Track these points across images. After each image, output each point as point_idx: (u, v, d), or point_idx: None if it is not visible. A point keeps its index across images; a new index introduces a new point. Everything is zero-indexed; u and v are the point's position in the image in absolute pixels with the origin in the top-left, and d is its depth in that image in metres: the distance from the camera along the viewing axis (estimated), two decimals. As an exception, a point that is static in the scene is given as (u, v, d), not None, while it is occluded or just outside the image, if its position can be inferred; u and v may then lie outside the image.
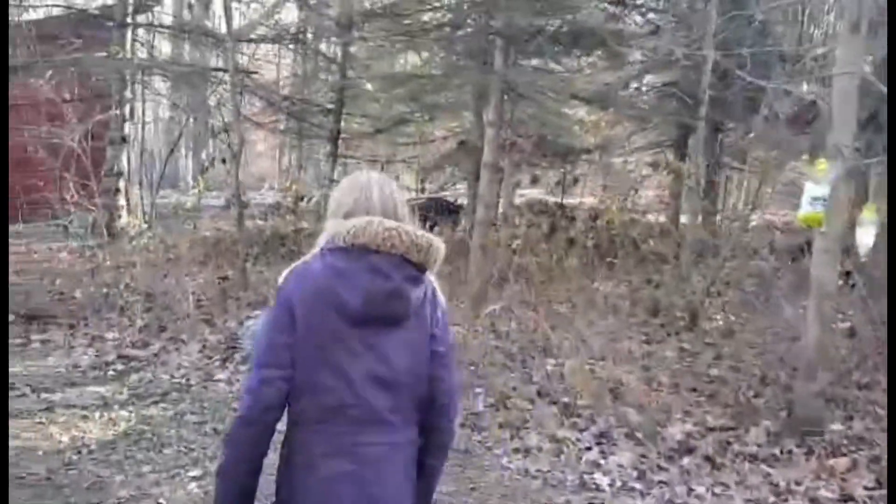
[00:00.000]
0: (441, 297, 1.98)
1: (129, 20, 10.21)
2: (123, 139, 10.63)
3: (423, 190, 13.73)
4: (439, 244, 1.90)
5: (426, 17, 11.83)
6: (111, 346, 6.16)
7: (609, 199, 10.78)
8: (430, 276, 1.93)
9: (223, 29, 12.72)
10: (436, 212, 12.89)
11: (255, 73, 11.63)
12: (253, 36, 11.47)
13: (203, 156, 15.93)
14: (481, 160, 11.27)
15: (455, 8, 9.30)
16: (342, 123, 15.10)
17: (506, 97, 7.49)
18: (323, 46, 15.22)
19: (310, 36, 14.33)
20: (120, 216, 10.84)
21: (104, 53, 10.21)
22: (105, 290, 8.04)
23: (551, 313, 6.67)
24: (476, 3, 8.32)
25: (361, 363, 1.83)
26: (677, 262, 8.32)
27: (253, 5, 13.21)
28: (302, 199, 13.98)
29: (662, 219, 14.42)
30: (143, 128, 11.94)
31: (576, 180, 12.18)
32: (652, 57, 10.42)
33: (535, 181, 14.16)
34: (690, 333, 7.03)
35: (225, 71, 10.11)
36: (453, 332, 2.36)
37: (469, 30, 8.47)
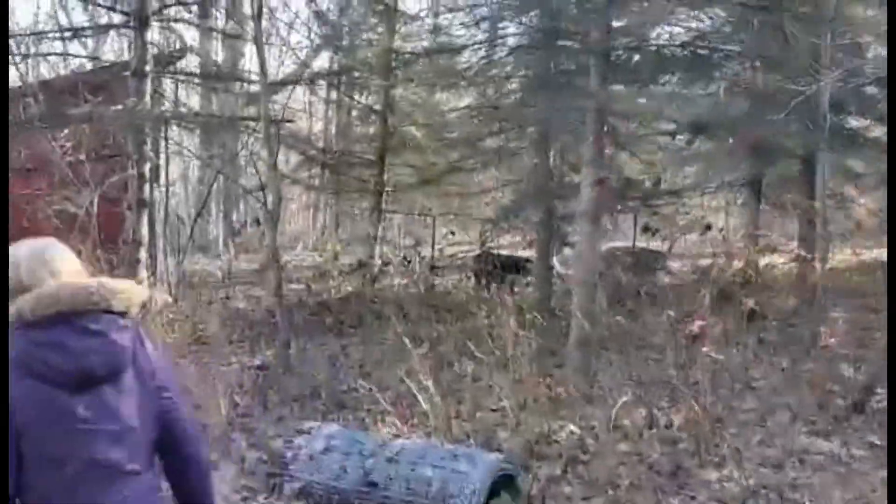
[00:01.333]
0: (150, 341, 2.01)
1: (148, 68, 8.98)
2: (143, 202, 9.32)
3: (483, 244, 12.25)
4: (134, 288, 1.97)
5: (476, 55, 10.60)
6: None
7: (722, 248, 9.22)
8: (132, 322, 1.94)
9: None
10: (493, 268, 11.39)
11: (291, 121, 10.37)
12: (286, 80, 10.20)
13: (234, 217, 14.66)
14: (551, 207, 10.05)
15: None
16: (385, 175, 13.85)
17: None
18: (360, 95, 14.07)
19: (344, 79, 13.17)
20: (141, 290, 9.45)
21: (121, 106, 8.98)
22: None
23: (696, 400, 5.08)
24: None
25: (88, 424, 1.85)
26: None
27: (287, 53, 12.04)
28: (336, 257, 12.66)
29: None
30: (167, 189, 10.66)
31: (654, 229, 10.64)
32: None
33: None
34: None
35: (255, 120, 8.85)
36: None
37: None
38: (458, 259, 13.46)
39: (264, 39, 10.19)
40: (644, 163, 9.44)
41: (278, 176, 6.77)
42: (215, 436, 5.17)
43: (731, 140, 7.02)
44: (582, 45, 6.14)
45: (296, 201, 22.22)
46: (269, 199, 6.70)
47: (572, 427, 4.94)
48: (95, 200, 8.52)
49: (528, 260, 12.31)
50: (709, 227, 10.98)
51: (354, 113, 13.90)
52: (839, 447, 4.81)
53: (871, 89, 7.75)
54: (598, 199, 5.80)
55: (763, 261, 8.94)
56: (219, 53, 14.00)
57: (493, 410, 5.64)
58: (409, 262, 14.19)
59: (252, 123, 9.74)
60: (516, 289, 10.98)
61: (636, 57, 6.14)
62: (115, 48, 12.39)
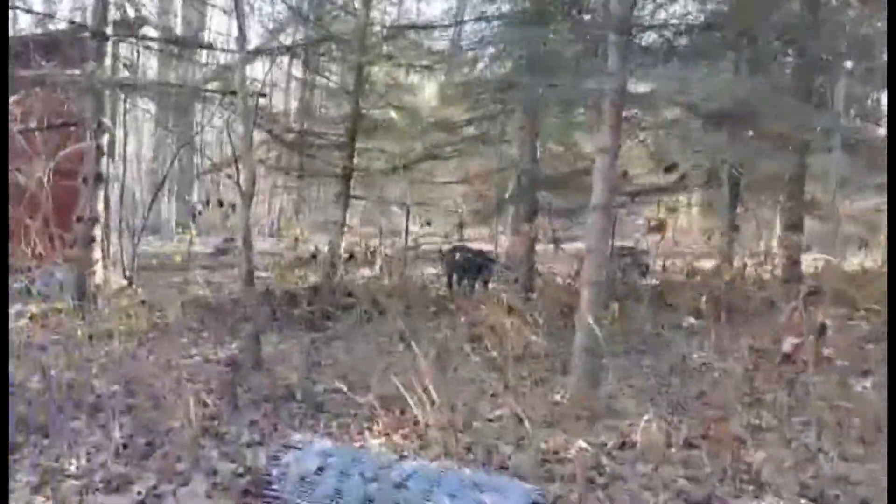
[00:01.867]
0: None
1: (108, 31, 8.21)
2: (100, 177, 8.57)
3: (459, 237, 11.74)
4: None
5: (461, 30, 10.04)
6: (72, 488, 4.02)
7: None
8: None
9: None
10: (465, 263, 10.85)
11: (264, 95, 9.67)
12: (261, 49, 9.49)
13: (194, 197, 13.84)
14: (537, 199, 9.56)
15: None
16: (354, 160, 13.22)
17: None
18: (330, 73, 13.38)
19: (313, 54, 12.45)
20: (94, 272, 8.73)
21: (78, 71, 8.21)
22: (71, 375, 5.97)
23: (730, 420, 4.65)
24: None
25: None
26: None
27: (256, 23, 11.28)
28: (297, 244, 12.01)
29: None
30: (124, 164, 9.88)
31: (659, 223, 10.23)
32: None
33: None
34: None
35: (227, 93, 8.18)
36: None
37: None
38: (433, 252, 12.92)
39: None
40: (651, 154, 9.00)
41: (253, 152, 6.12)
42: (183, 441, 4.58)
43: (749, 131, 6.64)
44: (602, 20, 5.62)
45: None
46: (242, 176, 6.06)
47: (583, 443, 4.46)
48: (48, 172, 7.75)
49: (496, 256, 11.84)
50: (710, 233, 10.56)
51: (323, 91, 13.18)
52: None
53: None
54: (609, 190, 5.32)
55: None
56: (178, 19, 13.15)
57: (491, 420, 5.13)
58: (373, 252, 13.64)
59: (218, 96, 9.02)
60: (491, 285, 10.51)
61: (650, 36, 5.66)
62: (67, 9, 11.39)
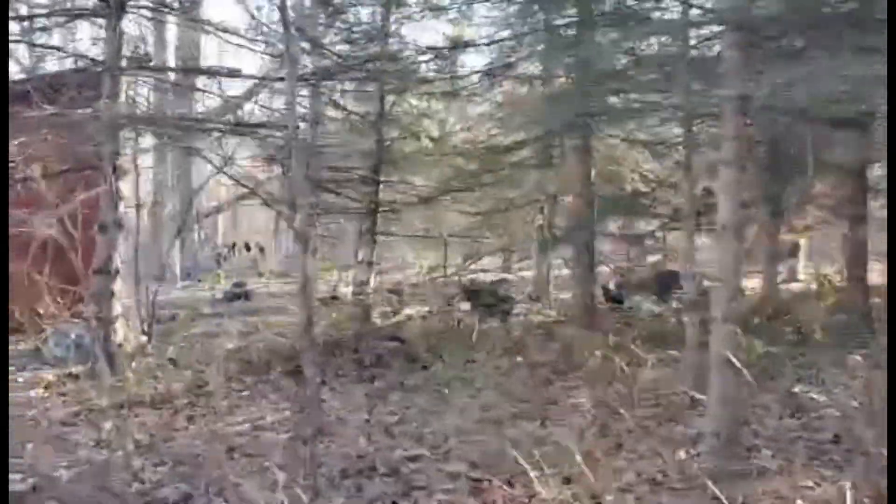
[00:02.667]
0: None
1: (123, 64, 7.48)
2: (120, 224, 7.78)
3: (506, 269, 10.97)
4: None
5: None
6: None
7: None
8: None
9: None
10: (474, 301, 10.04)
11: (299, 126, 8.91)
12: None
13: (195, 239, 12.94)
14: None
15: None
16: (380, 194, 12.46)
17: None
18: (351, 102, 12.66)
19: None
20: (115, 330, 7.90)
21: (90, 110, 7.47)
22: (104, 457, 5.14)
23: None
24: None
25: None
26: None
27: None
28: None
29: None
30: (137, 209, 9.07)
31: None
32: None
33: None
34: None
35: (261, 126, 7.44)
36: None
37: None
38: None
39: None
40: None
41: (309, 190, 5.35)
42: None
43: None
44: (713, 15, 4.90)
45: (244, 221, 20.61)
46: (298, 217, 5.28)
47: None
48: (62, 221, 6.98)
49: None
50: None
51: (344, 123, 12.43)
52: None
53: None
54: (738, 205, 4.56)
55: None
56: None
57: (625, 490, 4.29)
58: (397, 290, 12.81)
59: (245, 129, 8.27)
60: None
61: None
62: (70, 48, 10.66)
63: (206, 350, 8.52)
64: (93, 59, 8.08)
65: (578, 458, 4.08)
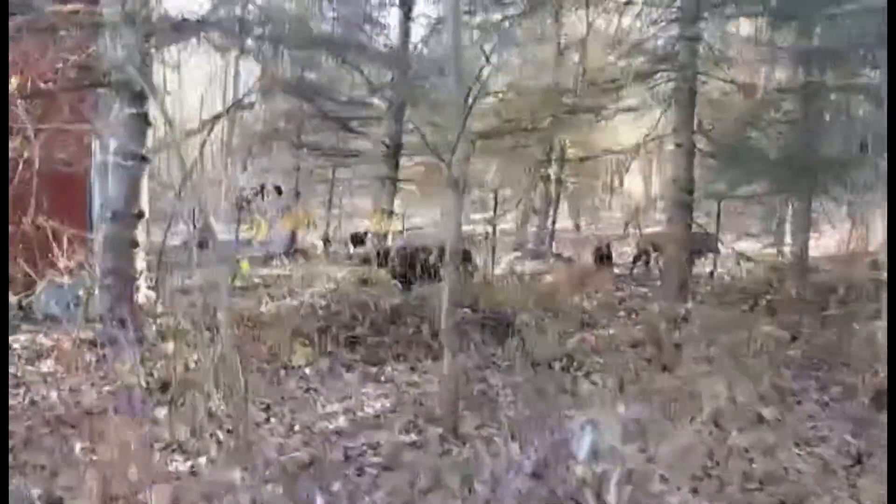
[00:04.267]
0: None
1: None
2: (144, 158, 6.26)
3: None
4: None
5: None
6: None
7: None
8: None
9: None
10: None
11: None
12: None
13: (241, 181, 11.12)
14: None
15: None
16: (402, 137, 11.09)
17: None
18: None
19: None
20: (138, 287, 6.43)
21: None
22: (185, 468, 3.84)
23: None
24: None
25: None
26: None
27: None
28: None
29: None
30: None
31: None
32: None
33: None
34: None
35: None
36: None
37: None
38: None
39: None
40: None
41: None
42: None
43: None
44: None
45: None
46: (456, 156, 3.96)
47: None
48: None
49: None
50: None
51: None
52: None
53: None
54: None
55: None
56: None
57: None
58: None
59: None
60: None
61: None
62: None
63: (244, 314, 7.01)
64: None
65: None
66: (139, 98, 6.04)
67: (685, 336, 6.54)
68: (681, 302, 7.67)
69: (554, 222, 15.23)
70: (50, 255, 6.89)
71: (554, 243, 14.55)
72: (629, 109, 8.98)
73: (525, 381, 5.47)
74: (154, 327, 6.58)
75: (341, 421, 4.79)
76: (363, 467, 4.00)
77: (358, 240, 11.08)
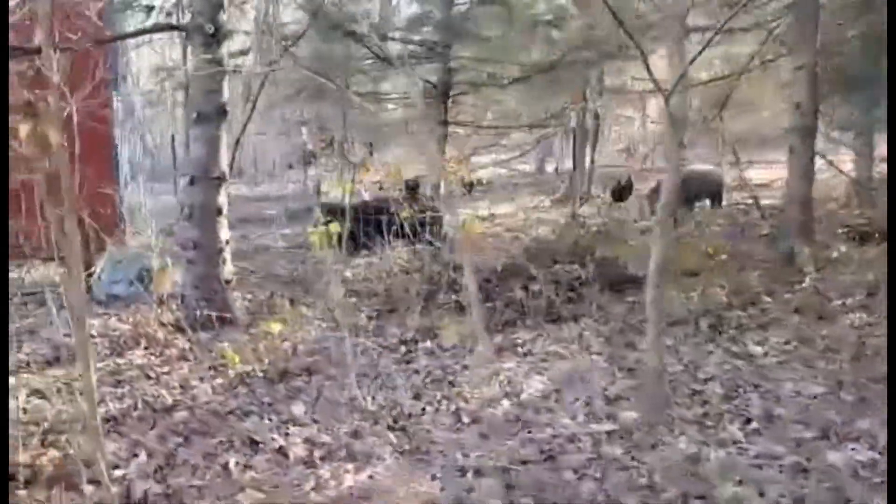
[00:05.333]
0: None
1: None
2: (224, 111, 5.48)
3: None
4: None
5: None
6: None
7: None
8: None
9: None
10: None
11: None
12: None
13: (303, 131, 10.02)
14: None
15: None
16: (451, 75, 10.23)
17: None
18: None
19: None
20: (224, 260, 5.73)
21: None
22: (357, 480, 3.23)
23: None
24: None
25: None
26: None
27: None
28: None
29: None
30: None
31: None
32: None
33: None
34: None
35: None
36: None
37: None
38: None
39: None
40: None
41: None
42: None
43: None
44: None
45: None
46: (673, 99, 3.24)
47: None
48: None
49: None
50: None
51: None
52: None
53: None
54: None
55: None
56: None
57: None
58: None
59: None
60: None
61: None
62: None
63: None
64: None
65: None
66: (212, 40, 5.20)
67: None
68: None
69: (593, 161, 14.57)
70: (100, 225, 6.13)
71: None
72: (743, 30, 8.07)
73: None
74: (244, 303, 5.92)
75: (506, 405, 4.15)
76: (572, 468, 3.37)
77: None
